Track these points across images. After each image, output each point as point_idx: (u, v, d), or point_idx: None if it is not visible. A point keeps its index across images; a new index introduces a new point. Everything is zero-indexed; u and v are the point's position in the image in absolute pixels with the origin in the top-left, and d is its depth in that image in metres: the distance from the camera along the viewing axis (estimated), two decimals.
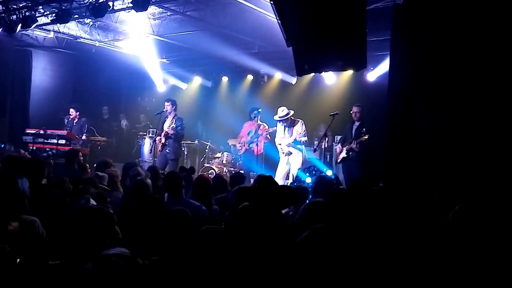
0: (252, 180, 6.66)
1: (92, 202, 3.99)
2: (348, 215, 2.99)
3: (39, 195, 3.58)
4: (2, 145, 8.70)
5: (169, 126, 8.27)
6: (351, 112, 7.83)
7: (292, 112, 7.99)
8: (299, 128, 7.85)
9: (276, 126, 8.28)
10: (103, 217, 2.46)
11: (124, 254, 1.45)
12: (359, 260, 2.25)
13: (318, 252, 2.10)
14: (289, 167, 7.86)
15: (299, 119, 8.02)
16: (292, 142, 7.82)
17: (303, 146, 7.87)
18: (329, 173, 7.36)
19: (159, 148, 8.34)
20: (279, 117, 7.97)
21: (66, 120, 10.07)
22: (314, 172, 7.49)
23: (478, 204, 2.97)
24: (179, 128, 8.28)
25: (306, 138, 7.91)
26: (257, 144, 8.16)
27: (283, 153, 8.01)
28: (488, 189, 3.49)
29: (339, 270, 2.09)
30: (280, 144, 8.09)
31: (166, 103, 8.47)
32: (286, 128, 7.98)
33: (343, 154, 7.77)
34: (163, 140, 8.28)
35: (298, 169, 7.72)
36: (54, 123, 9.98)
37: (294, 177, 7.60)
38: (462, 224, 2.76)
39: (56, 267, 2.17)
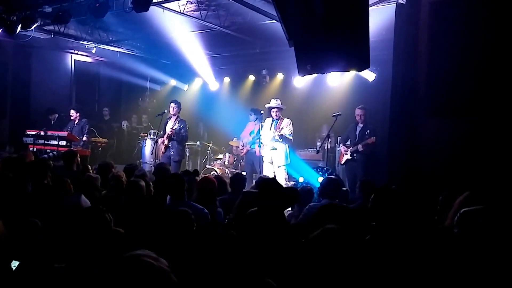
0: (254, 182, 6.59)
1: (85, 200, 3.96)
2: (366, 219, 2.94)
3: (42, 195, 3.53)
4: None
5: (172, 127, 8.21)
6: (355, 114, 7.77)
7: (284, 107, 7.94)
8: (286, 127, 7.76)
9: (263, 121, 8.15)
10: (97, 217, 2.41)
11: (152, 255, 1.42)
12: (364, 262, 2.21)
13: (326, 252, 2.06)
14: (273, 165, 7.78)
15: (288, 118, 7.95)
16: (272, 138, 7.73)
17: (287, 145, 7.77)
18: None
19: (162, 149, 8.26)
20: (272, 104, 7.90)
21: (52, 121, 10.05)
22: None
23: (484, 206, 2.92)
24: (183, 130, 8.22)
25: (291, 138, 7.78)
26: (259, 145, 8.08)
27: (268, 148, 7.86)
28: (493, 191, 3.43)
29: (344, 272, 2.04)
30: (264, 140, 7.92)
31: (172, 105, 8.39)
32: (274, 123, 7.91)
33: (348, 156, 7.70)
34: (166, 142, 8.21)
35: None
36: (54, 124, 9.95)
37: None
38: (467, 227, 2.71)
39: (63, 270, 2.13)
